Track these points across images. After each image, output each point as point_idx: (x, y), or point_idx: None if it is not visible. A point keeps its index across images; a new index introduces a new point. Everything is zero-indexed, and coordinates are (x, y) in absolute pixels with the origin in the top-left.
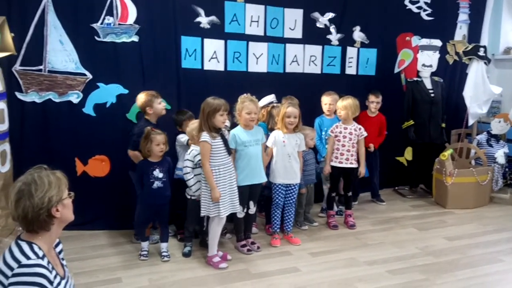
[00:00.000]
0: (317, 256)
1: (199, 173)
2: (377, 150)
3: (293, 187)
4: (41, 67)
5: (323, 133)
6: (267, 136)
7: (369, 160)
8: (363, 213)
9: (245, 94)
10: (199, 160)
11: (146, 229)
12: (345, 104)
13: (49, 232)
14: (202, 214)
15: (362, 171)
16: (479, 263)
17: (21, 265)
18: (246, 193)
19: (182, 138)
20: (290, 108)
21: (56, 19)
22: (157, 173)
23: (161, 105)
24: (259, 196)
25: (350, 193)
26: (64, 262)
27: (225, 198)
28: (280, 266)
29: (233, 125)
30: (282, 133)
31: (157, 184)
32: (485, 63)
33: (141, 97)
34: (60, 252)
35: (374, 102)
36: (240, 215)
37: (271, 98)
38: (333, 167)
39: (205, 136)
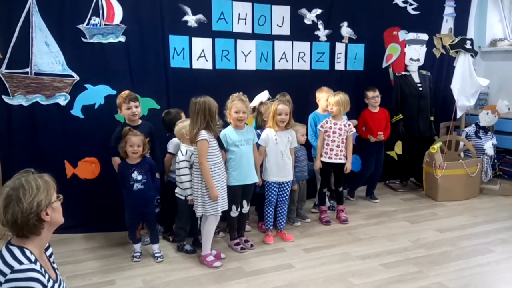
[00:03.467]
0: (310, 252)
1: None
2: (383, 144)
3: (286, 185)
4: (27, 69)
5: (317, 129)
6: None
7: (376, 155)
8: (355, 208)
9: (236, 93)
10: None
11: (137, 231)
12: (337, 100)
13: (40, 236)
14: (198, 215)
15: (349, 166)
16: (471, 254)
17: (14, 271)
18: (239, 192)
19: (171, 144)
20: (281, 106)
21: (41, 20)
22: (136, 175)
23: (128, 111)
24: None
25: (341, 189)
26: (55, 266)
27: (221, 196)
28: (274, 263)
29: (225, 124)
30: (274, 131)
31: (137, 186)
32: (471, 55)
33: (118, 98)
34: (50, 256)
35: (375, 96)
36: (234, 214)
37: (265, 95)
38: (323, 163)
39: (204, 134)
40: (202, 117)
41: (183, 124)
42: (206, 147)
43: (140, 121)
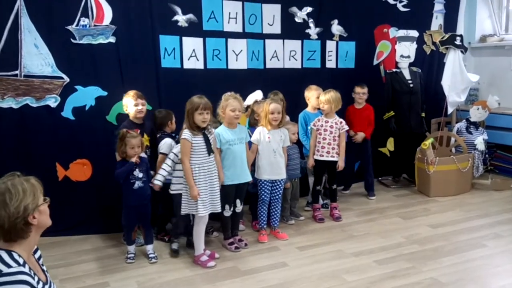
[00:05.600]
0: (304, 250)
1: (180, 169)
2: (369, 141)
3: (278, 183)
4: (17, 72)
5: (309, 127)
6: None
7: (362, 153)
8: (348, 205)
9: (229, 92)
10: None
11: (133, 232)
12: (328, 98)
13: (27, 239)
14: (182, 212)
15: (341, 164)
16: (463, 249)
17: (2, 274)
18: (232, 192)
19: (164, 145)
20: (273, 105)
21: (30, 22)
22: (137, 173)
23: (136, 108)
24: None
25: (334, 186)
26: (44, 268)
27: (204, 197)
28: (268, 261)
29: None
30: (267, 129)
31: (138, 184)
32: (461, 51)
33: (124, 97)
34: (39, 258)
35: (360, 93)
36: (227, 213)
37: (258, 95)
38: (315, 161)
39: (185, 133)
40: (185, 116)
41: None
42: (187, 146)
43: (143, 121)
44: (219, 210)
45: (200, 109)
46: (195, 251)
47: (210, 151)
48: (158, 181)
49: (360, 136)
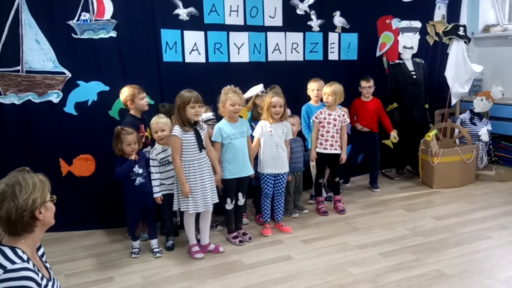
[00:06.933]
0: (309, 243)
1: (163, 171)
2: (377, 134)
3: (281, 177)
4: (18, 67)
5: (311, 120)
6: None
7: (370, 146)
8: (352, 198)
9: (228, 86)
10: (162, 158)
11: (137, 229)
12: (333, 89)
13: (32, 235)
14: (174, 208)
15: (344, 157)
16: (468, 240)
17: (6, 271)
18: (234, 185)
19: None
20: (275, 98)
21: (30, 17)
22: (137, 169)
23: (143, 101)
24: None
25: (337, 179)
26: (47, 265)
27: (196, 195)
28: (272, 255)
29: (218, 117)
30: (269, 123)
31: (139, 180)
32: (465, 42)
33: (125, 91)
34: (42, 256)
35: (366, 87)
36: (229, 207)
37: (260, 88)
38: (318, 154)
39: (176, 130)
40: (175, 112)
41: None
42: (177, 143)
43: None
44: (210, 208)
45: (192, 102)
46: (189, 242)
47: (201, 147)
48: (157, 193)
49: (392, 135)
